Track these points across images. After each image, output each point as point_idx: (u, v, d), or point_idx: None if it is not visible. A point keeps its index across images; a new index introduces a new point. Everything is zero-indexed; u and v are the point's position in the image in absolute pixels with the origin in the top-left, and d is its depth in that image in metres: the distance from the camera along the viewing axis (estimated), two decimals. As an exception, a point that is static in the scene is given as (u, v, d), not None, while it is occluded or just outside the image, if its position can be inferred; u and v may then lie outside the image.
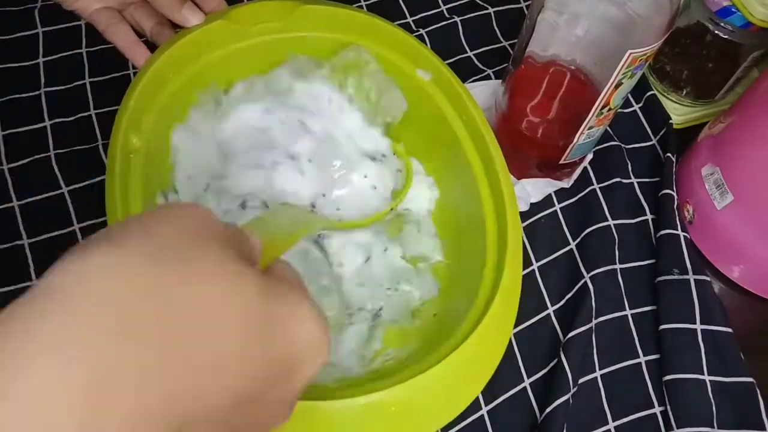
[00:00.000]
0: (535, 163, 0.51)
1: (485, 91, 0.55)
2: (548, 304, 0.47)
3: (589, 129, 0.46)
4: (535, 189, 0.51)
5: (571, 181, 0.52)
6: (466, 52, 0.60)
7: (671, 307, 0.47)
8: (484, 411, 0.43)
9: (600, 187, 0.51)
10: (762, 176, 0.45)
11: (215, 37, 0.47)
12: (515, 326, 0.46)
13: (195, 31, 0.47)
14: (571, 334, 0.45)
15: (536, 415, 0.44)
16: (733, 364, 0.45)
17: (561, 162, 0.50)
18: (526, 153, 0.51)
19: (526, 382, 0.45)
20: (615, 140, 0.54)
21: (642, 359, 0.46)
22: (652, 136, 0.56)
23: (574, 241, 0.50)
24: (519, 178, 0.51)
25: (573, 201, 0.52)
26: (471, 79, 0.57)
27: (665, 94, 0.58)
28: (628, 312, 0.48)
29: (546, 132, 0.49)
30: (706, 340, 0.45)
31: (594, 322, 0.45)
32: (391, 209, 0.47)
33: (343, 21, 0.49)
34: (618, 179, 0.52)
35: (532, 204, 0.51)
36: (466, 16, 0.61)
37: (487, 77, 0.57)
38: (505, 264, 0.40)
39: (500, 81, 0.51)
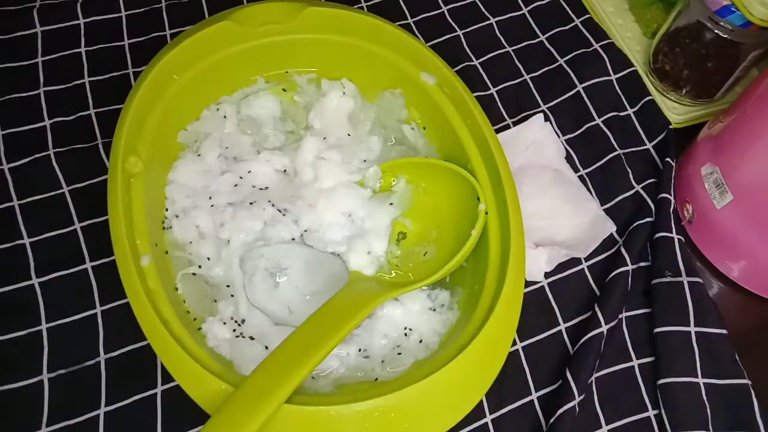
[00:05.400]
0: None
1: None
2: (560, 320, 0.47)
3: None
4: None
5: None
6: (472, 61, 0.58)
7: (665, 310, 0.46)
8: (488, 419, 0.43)
9: (605, 208, 0.52)
10: (762, 176, 0.45)
11: (220, 38, 0.47)
12: (525, 339, 0.46)
13: (200, 32, 0.47)
14: (579, 344, 0.45)
15: (542, 427, 0.43)
16: (727, 367, 0.45)
17: None
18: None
19: (534, 396, 0.45)
20: (616, 149, 0.54)
21: (635, 362, 0.46)
22: (651, 140, 0.55)
23: (585, 261, 0.50)
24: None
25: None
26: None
27: (665, 93, 0.57)
28: (623, 315, 0.47)
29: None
30: (700, 343, 0.45)
31: (604, 327, 0.45)
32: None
33: (347, 23, 0.49)
34: (621, 196, 0.52)
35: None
36: (468, 29, 0.60)
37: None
38: (506, 273, 0.40)
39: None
